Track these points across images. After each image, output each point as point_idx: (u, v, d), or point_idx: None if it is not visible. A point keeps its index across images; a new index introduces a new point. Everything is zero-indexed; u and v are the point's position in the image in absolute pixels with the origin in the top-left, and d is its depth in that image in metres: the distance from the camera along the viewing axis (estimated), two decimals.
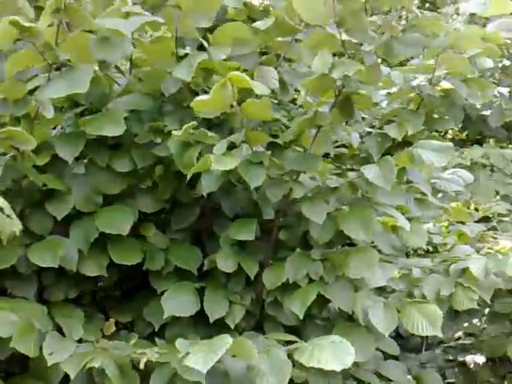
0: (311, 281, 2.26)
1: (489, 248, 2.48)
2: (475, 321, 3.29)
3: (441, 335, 2.20)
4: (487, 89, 2.50)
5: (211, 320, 2.23)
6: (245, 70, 2.04)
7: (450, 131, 6.61)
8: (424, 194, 2.62)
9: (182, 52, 2.10)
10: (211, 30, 2.18)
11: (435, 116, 2.55)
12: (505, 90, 5.71)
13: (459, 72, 2.34)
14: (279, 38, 2.20)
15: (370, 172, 2.13)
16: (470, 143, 6.21)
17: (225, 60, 2.05)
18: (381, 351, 2.70)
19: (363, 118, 2.57)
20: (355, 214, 2.20)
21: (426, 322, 2.20)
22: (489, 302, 2.43)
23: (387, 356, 2.76)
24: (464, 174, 2.87)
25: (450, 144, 2.19)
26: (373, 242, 2.51)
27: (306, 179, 2.24)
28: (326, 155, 2.57)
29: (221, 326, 2.28)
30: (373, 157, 2.31)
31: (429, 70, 2.36)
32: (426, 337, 3.57)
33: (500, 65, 5.74)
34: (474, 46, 2.30)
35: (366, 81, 2.01)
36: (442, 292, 2.38)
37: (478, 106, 5.36)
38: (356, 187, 2.25)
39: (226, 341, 1.77)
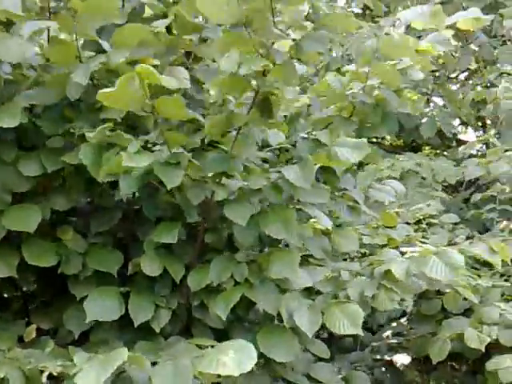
0: (237, 283, 2.25)
1: (412, 251, 2.51)
2: (403, 320, 3.34)
3: (362, 334, 2.21)
4: (417, 99, 2.55)
5: (136, 324, 2.17)
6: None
7: (388, 137, 6.75)
8: (356, 202, 2.66)
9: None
10: None
11: (368, 124, 2.59)
12: (438, 100, 5.87)
13: (391, 82, 2.37)
14: (186, 37, 2.17)
15: (290, 173, 2.12)
16: (406, 150, 6.35)
17: (136, 61, 2.02)
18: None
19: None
20: (277, 215, 2.18)
21: (347, 322, 2.21)
22: (411, 302, 2.46)
23: (320, 359, 2.78)
24: (396, 185, 2.90)
25: (365, 140, 2.21)
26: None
27: (231, 181, 2.21)
28: (265, 160, 2.57)
29: (146, 331, 2.23)
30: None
31: (362, 78, 2.39)
32: (358, 337, 3.63)
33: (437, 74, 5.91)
34: (406, 55, 2.33)
35: (281, 79, 1.99)
36: (365, 293, 2.40)
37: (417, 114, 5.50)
38: (280, 188, 2.25)
39: (119, 357, 1.71)
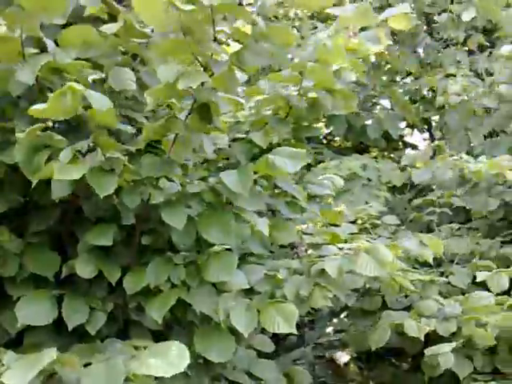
0: (174, 286, 2.23)
1: (347, 248, 2.55)
2: (343, 315, 3.38)
3: (295, 332, 2.23)
4: (351, 100, 2.58)
5: (70, 328, 2.14)
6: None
7: (337, 139, 6.83)
8: (295, 198, 2.68)
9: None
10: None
11: (304, 124, 2.61)
12: (386, 102, 5.95)
13: (324, 84, 2.39)
14: (134, 40, 2.15)
15: (228, 178, 2.12)
16: (354, 151, 6.44)
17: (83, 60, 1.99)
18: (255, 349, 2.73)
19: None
20: (215, 219, 2.19)
21: (282, 321, 2.23)
22: (343, 300, 2.50)
23: (262, 354, 2.79)
24: (335, 180, 2.94)
25: (304, 151, 2.22)
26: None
27: (169, 184, 2.20)
28: (206, 161, 2.56)
29: (83, 333, 2.20)
30: (241, 163, 2.32)
31: (297, 80, 2.40)
32: (303, 334, 3.67)
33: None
34: (340, 61, 2.35)
35: (221, 88, 2.00)
36: (300, 292, 2.42)
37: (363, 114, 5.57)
38: (218, 192, 2.24)
39: (47, 356, 1.68)
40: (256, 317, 2.26)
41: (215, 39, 1.87)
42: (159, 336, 2.31)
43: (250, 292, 2.49)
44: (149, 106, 1.99)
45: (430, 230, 4.22)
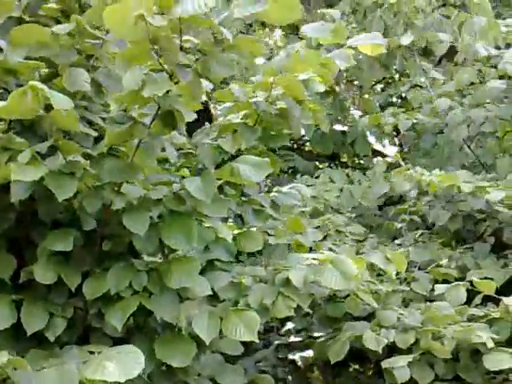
0: (136, 292, 2.20)
1: (312, 258, 2.55)
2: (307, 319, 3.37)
3: (257, 341, 2.22)
4: (319, 111, 2.60)
5: (28, 333, 2.09)
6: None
7: (307, 145, 6.85)
8: (262, 206, 2.68)
9: None
10: None
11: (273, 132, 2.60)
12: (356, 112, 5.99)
13: (293, 93, 2.39)
14: (89, 40, 2.12)
15: (192, 185, 2.10)
16: (324, 158, 6.47)
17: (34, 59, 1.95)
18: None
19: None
20: (178, 225, 2.16)
21: (244, 329, 2.22)
22: (306, 310, 2.50)
23: (227, 356, 2.77)
24: (302, 189, 2.94)
25: (267, 160, 2.22)
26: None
27: (131, 189, 2.17)
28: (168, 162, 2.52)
29: (42, 339, 2.16)
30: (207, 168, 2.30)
31: (266, 88, 2.40)
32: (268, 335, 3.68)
33: None
34: (311, 70, 2.37)
35: (186, 96, 1.98)
36: (264, 300, 2.41)
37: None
38: (181, 199, 2.22)
39: None
40: (218, 324, 2.25)
41: (181, 48, 1.85)
42: (120, 343, 2.25)
43: (214, 299, 2.49)
44: (112, 111, 1.96)
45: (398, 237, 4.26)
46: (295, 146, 6.71)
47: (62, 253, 2.15)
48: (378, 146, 6.89)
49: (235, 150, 2.30)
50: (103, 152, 2.05)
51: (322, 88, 2.42)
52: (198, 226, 2.25)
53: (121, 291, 2.17)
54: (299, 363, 3.39)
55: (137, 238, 2.15)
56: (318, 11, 4.30)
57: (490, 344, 2.59)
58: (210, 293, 2.35)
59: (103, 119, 2.14)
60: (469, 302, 2.95)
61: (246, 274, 2.66)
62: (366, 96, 5.79)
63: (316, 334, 3.26)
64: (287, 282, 2.45)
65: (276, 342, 3.50)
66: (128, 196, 2.12)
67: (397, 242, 4.01)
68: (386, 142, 6.68)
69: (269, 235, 3.12)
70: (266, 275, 2.66)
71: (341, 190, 4.58)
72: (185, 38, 1.86)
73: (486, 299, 2.95)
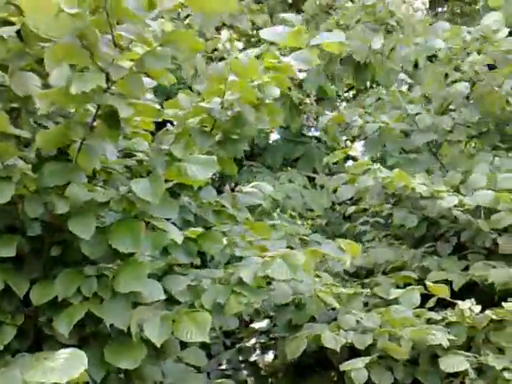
0: (86, 298, 2.16)
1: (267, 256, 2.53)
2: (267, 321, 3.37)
3: (208, 341, 2.20)
4: (276, 114, 2.59)
5: None
6: None
7: None
8: (224, 206, 2.65)
9: None
10: None
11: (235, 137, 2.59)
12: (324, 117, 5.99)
13: (247, 98, 2.38)
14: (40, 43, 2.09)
15: (139, 186, 2.07)
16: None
17: None
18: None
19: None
20: (125, 229, 2.13)
21: (195, 330, 2.20)
22: (258, 305, 2.49)
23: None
24: (264, 187, 2.90)
25: (214, 158, 2.20)
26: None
27: (76, 192, 2.13)
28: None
29: None
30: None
31: (219, 93, 2.38)
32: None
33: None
34: (254, 76, 2.34)
35: (127, 93, 1.96)
36: (217, 300, 2.40)
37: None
38: (129, 201, 2.19)
39: None
40: (170, 327, 2.22)
41: (115, 44, 1.82)
42: None
43: (173, 303, 2.47)
44: (41, 109, 1.92)
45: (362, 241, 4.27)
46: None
47: (10, 259, 2.11)
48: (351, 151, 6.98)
49: (187, 156, 2.27)
50: (44, 155, 2.01)
51: (277, 93, 2.41)
52: (150, 230, 2.23)
53: (68, 297, 2.12)
54: (261, 365, 3.37)
55: (83, 242, 2.11)
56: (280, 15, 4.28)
57: (446, 343, 2.59)
58: (163, 297, 2.32)
59: (56, 123, 2.11)
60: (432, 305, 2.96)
61: (204, 277, 2.64)
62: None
63: (279, 335, 3.25)
64: (240, 280, 2.43)
65: (239, 345, 3.48)
66: (73, 199, 2.08)
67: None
68: (359, 145, 6.74)
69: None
70: (223, 276, 2.64)
71: (301, 194, 4.58)
72: (118, 33, 1.83)
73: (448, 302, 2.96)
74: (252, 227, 2.95)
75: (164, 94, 4.06)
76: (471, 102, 3.91)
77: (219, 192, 2.79)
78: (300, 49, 2.49)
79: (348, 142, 6.32)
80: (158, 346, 2.17)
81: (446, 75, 3.95)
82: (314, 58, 2.44)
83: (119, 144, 2.33)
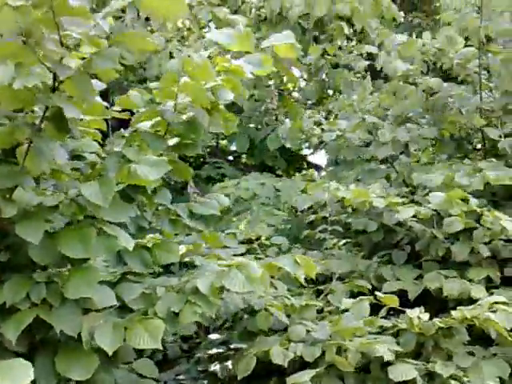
0: (35, 304, 2.13)
1: (223, 265, 2.53)
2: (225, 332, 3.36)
3: (160, 348, 2.21)
4: (231, 120, 2.60)
5: None
6: None
7: (243, 156, 6.87)
8: (179, 216, 2.65)
9: None
10: None
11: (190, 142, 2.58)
12: (287, 121, 6.04)
13: (200, 101, 2.38)
14: None
15: (88, 190, 2.05)
16: (260, 170, 6.50)
17: None
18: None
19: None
20: (75, 233, 2.11)
21: (147, 337, 2.20)
22: (213, 316, 2.50)
23: None
24: (220, 198, 2.92)
25: (164, 159, 2.20)
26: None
27: (24, 196, 2.09)
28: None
29: None
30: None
31: (172, 96, 2.37)
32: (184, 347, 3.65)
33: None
34: (208, 77, 2.34)
35: (74, 94, 1.94)
36: (172, 308, 2.39)
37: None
38: (79, 205, 2.17)
39: None
40: (122, 334, 2.22)
41: (62, 44, 1.81)
42: (24, 358, 2.19)
43: (126, 310, 2.45)
44: None
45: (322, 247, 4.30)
46: (231, 157, 6.74)
47: None
48: (311, 158, 7.04)
49: (139, 158, 2.26)
50: None
51: (230, 96, 2.41)
52: (102, 236, 2.21)
53: (17, 303, 2.09)
54: (219, 375, 3.36)
55: (32, 247, 2.08)
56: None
57: (389, 357, 2.62)
58: (115, 303, 2.31)
59: (1, 125, 2.06)
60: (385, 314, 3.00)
61: (158, 285, 2.63)
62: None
63: (236, 346, 3.25)
64: (196, 289, 2.43)
65: (197, 355, 3.47)
66: (20, 203, 2.05)
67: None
68: (323, 153, 6.81)
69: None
70: (178, 285, 2.64)
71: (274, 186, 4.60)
72: (66, 33, 1.81)
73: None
74: (205, 237, 2.95)
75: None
76: (427, 113, 3.99)
77: (182, 193, 2.79)
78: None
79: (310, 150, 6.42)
80: (110, 354, 2.16)
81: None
82: (267, 60, 2.45)
83: (68, 145, 2.32)
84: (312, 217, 4.25)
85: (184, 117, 2.42)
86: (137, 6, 1.95)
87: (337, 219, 4.07)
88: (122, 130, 2.44)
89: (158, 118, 2.41)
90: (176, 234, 2.88)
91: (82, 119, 2.21)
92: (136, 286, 2.50)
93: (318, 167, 6.77)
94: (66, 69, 1.83)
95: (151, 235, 2.71)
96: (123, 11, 2.16)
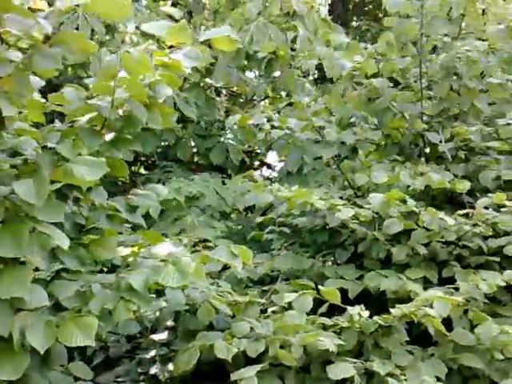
0: None
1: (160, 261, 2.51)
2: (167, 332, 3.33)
3: (93, 345, 2.19)
4: (169, 115, 2.58)
5: None
6: None
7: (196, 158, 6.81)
8: (117, 211, 2.61)
9: None
10: None
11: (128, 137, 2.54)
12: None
13: (138, 96, 2.35)
14: None
15: (21, 187, 2.02)
16: (213, 170, 6.47)
17: None
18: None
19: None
20: (6, 231, 2.06)
21: (80, 334, 2.19)
22: (148, 312, 2.48)
23: None
24: (158, 189, 2.86)
25: (103, 159, 2.18)
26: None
27: None
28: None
29: None
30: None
31: (109, 91, 2.34)
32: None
33: None
34: (146, 71, 2.31)
35: (12, 92, 1.90)
36: (106, 306, 2.36)
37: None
38: (11, 203, 2.12)
39: None
40: (54, 333, 2.19)
41: (2, 40, 1.77)
42: None
43: (60, 309, 2.40)
44: None
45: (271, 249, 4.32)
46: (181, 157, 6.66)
47: None
48: (267, 159, 7.05)
49: (75, 155, 2.22)
50: None
51: (169, 91, 2.39)
52: (35, 234, 2.16)
53: None
54: (160, 377, 3.33)
55: None
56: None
57: (333, 348, 2.66)
58: (47, 303, 2.27)
59: None
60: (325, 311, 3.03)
61: (94, 282, 2.59)
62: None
63: (179, 348, 3.22)
64: (130, 286, 2.40)
65: (138, 356, 3.43)
66: None
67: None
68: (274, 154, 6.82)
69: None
70: (114, 282, 2.60)
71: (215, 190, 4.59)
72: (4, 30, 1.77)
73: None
74: (145, 235, 2.91)
75: None
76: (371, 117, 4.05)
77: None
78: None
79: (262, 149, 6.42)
80: (42, 352, 2.13)
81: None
82: (204, 54, 2.44)
83: (7, 142, 2.26)
84: (260, 218, 4.27)
85: (121, 112, 2.40)
86: (81, 7, 1.91)
87: (285, 221, 4.10)
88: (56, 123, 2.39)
89: (95, 113, 2.38)
90: (120, 233, 2.85)
91: (21, 113, 2.16)
92: (70, 284, 2.46)
93: (271, 167, 6.80)
94: (5, 66, 1.79)
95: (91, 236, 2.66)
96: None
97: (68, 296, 2.41)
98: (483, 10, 3.93)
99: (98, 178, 2.16)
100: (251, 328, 2.88)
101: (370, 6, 6.90)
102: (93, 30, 3.56)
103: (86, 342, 2.17)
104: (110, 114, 2.34)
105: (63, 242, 2.18)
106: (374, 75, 3.95)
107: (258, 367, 2.66)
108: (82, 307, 2.41)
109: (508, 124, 3.75)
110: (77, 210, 2.51)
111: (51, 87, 2.35)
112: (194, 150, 6.31)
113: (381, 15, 5.68)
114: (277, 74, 5.65)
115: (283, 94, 6.38)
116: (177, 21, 4.33)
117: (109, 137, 2.43)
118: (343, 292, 3.34)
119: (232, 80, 4.89)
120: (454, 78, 3.76)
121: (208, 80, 5.45)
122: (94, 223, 2.59)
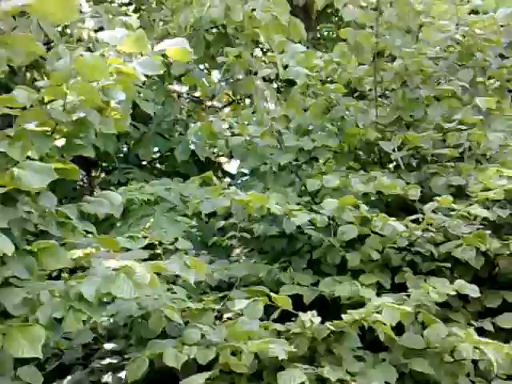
0: None
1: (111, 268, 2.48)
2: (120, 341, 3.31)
3: (41, 357, 2.17)
4: (123, 119, 2.57)
5: None
6: None
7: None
8: (68, 218, 2.58)
9: None
10: None
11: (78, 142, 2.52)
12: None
13: (90, 100, 2.33)
14: None
15: None
16: (177, 175, 6.44)
17: None
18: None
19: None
20: None
21: (27, 345, 2.17)
22: (98, 321, 2.46)
23: None
24: (111, 196, 2.83)
25: (51, 166, 2.16)
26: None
27: None
28: None
29: None
30: None
31: (61, 94, 2.32)
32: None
33: None
34: (101, 76, 2.31)
35: None
36: (54, 315, 2.34)
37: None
38: None
39: None
40: (0, 342, 2.16)
41: None
42: None
43: (7, 317, 2.36)
44: None
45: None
46: (144, 163, 6.65)
47: None
48: (227, 167, 7.04)
49: (23, 158, 2.20)
50: None
51: (122, 96, 2.38)
52: None
53: None
54: None
55: None
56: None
57: (283, 356, 2.67)
58: None
59: None
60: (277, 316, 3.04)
61: (43, 289, 2.55)
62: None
63: (131, 356, 3.19)
64: (81, 296, 2.38)
65: (91, 365, 3.39)
66: None
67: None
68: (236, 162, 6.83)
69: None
70: (64, 289, 2.56)
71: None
72: None
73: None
74: (99, 241, 2.88)
75: None
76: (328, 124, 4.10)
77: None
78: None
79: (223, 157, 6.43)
80: None
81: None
82: (159, 64, 2.45)
83: None
84: (221, 223, 4.27)
85: (74, 116, 2.38)
86: (26, 9, 1.90)
87: (245, 226, 4.11)
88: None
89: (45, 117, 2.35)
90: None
91: None
92: (18, 291, 2.44)
93: (232, 175, 6.80)
94: None
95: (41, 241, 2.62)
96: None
97: (15, 303, 2.38)
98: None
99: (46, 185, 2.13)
100: (202, 335, 2.88)
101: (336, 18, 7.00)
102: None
103: (32, 354, 2.16)
104: (62, 118, 2.32)
105: (7, 248, 2.15)
106: (331, 82, 4.01)
107: (207, 374, 2.66)
108: (29, 315, 2.38)
109: (457, 130, 3.82)
110: (26, 216, 2.48)
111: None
112: (157, 154, 6.35)
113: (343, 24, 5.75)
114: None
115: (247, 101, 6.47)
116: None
117: (60, 142, 2.42)
118: (300, 298, 3.38)
119: (193, 74, 4.89)
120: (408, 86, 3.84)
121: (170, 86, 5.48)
122: (45, 230, 2.57)
